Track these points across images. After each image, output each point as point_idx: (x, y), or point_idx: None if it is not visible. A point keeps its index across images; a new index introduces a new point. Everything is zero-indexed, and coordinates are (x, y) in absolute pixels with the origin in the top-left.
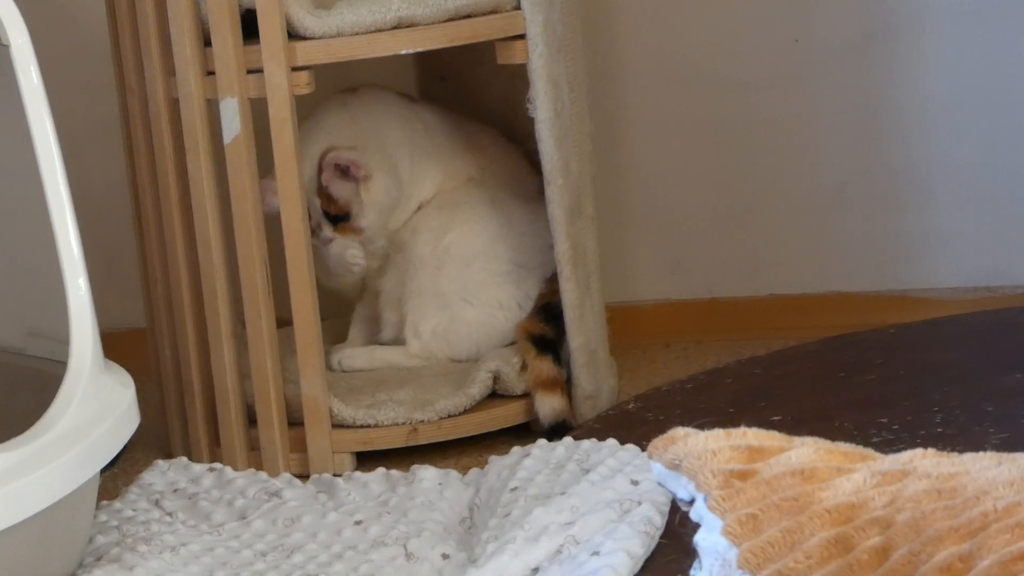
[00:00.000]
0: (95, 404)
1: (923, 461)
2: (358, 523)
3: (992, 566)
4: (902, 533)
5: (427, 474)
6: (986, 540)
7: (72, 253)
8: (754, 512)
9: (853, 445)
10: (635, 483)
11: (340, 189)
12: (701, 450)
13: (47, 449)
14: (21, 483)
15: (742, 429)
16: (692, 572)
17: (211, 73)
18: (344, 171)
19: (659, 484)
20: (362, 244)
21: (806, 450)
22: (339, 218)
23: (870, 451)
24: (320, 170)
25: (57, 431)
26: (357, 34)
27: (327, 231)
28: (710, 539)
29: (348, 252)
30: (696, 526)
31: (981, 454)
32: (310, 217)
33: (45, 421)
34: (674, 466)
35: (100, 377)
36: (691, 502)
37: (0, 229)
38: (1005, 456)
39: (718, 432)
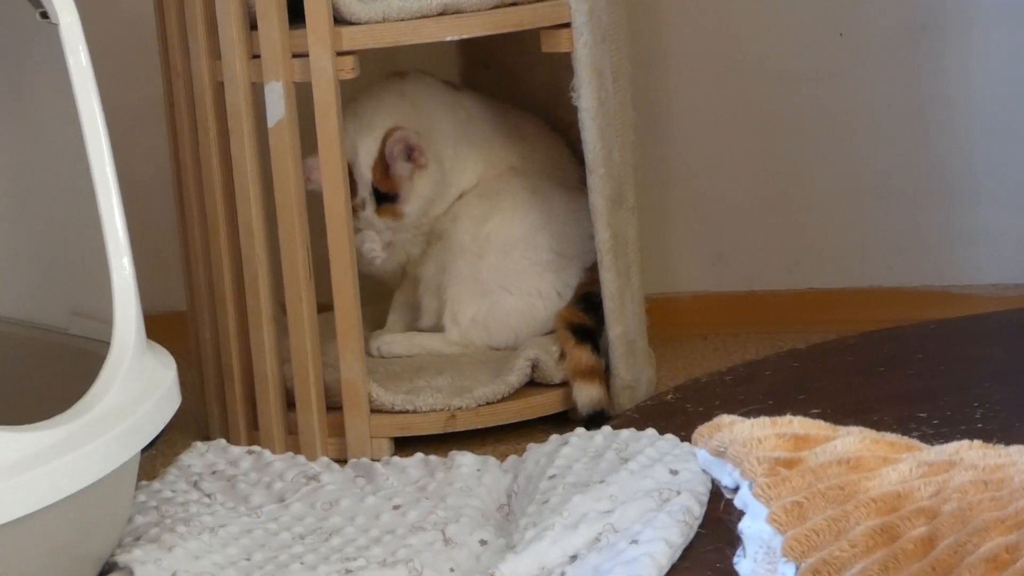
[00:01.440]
0: (137, 384)
1: (969, 452)
2: (396, 507)
3: None
4: (948, 523)
5: (465, 460)
6: None
7: (117, 233)
8: (799, 500)
9: (899, 436)
10: (674, 473)
11: (400, 169)
12: (747, 437)
13: (89, 428)
14: (63, 462)
15: (787, 417)
16: (736, 559)
17: (256, 57)
18: (408, 154)
19: (704, 471)
20: (392, 231)
21: (852, 439)
22: (386, 197)
23: (916, 442)
24: (384, 145)
25: (99, 410)
26: (403, 20)
27: (370, 209)
28: (754, 526)
29: (365, 245)
30: (740, 513)
31: None
32: (355, 193)
33: (87, 400)
34: (719, 453)
35: (142, 357)
36: (736, 489)
37: (45, 209)
38: None
39: (764, 420)
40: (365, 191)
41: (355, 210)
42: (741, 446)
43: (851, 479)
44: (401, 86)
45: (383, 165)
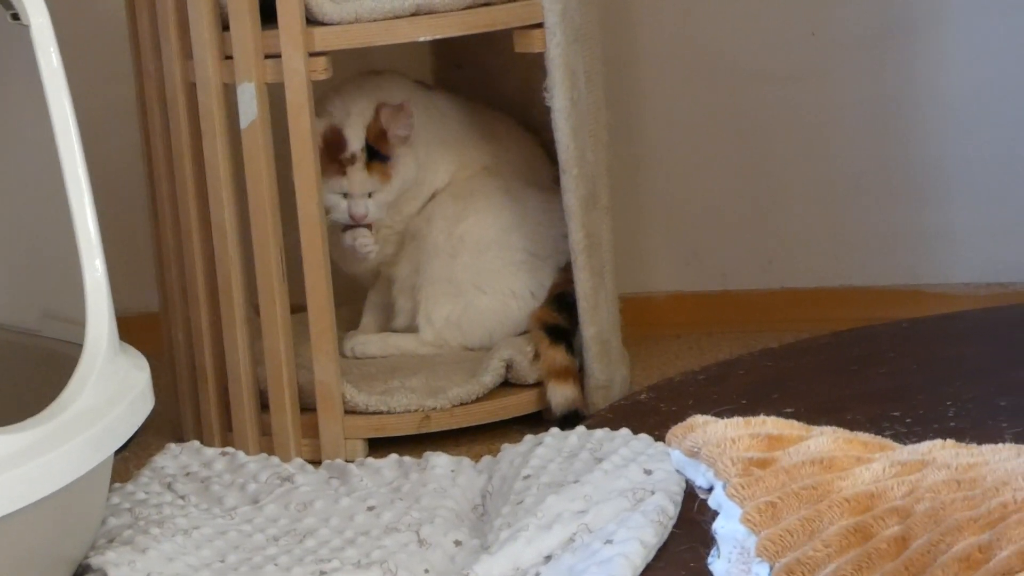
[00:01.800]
0: (110, 385)
1: (942, 452)
2: (370, 509)
3: (1011, 556)
4: (921, 523)
5: (440, 461)
6: (1005, 531)
7: (89, 234)
8: (773, 500)
9: (872, 435)
10: (648, 472)
11: (397, 130)
12: (720, 438)
13: (62, 430)
14: (36, 464)
15: (761, 418)
16: (710, 559)
17: (228, 58)
18: (405, 122)
19: (677, 471)
20: (376, 204)
21: (825, 439)
22: (377, 155)
23: (889, 441)
24: (379, 111)
25: (72, 412)
26: (375, 20)
27: (359, 163)
28: (728, 527)
29: (359, 241)
30: (714, 514)
31: (1000, 445)
32: (343, 149)
33: (60, 402)
34: (693, 453)
35: (116, 359)
36: (710, 489)
37: (17, 210)
38: None
39: (737, 420)
40: (357, 146)
41: (341, 166)
42: (715, 446)
43: (824, 479)
44: (378, 81)
45: (379, 126)
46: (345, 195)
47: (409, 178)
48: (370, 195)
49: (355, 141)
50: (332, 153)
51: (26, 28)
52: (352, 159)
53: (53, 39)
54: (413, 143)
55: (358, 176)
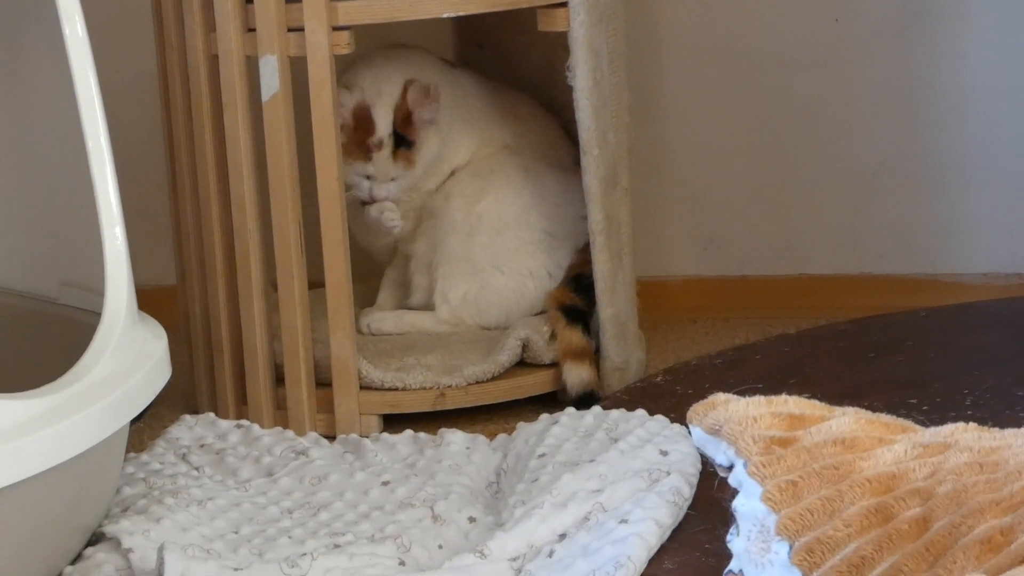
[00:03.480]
0: (128, 354)
1: (964, 435)
2: (385, 484)
3: None
4: (943, 505)
5: (455, 438)
6: None
7: (110, 203)
8: (794, 479)
9: (894, 417)
10: (664, 453)
11: (423, 115)
12: (742, 416)
13: (80, 398)
14: (52, 430)
15: (783, 397)
16: (729, 537)
17: (251, 30)
18: (427, 101)
19: (698, 449)
20: (398, 185)
21: (847, 419)
22: (405, 142)
23: (911, 423)
24: (406, 91)
25: (90, 380)
26: None
27: (387, 150)
28: (748, 505)
29: (385, 215)
30: (734, 492)
31: (1023, 429)
32: (372, 132)
33: (78, 369)
34: (714, 431)
35: (134, 328)
36: (730, 468)
37: (38, 179)
38: None
39: (759, 399)
40: (385, 132)
41: (367, 150)
42: (736, 424)
43: (846, 459)
44: (407, 54)
45: (405, 109)
46: (368, 176)
47: (432, 159)
48: (393, 178)
49: (383, 126)
50: (359, 134)
51: None
52: (379, 145)
53: (79, 8)
54: (437, 123)
55: (384, 163)
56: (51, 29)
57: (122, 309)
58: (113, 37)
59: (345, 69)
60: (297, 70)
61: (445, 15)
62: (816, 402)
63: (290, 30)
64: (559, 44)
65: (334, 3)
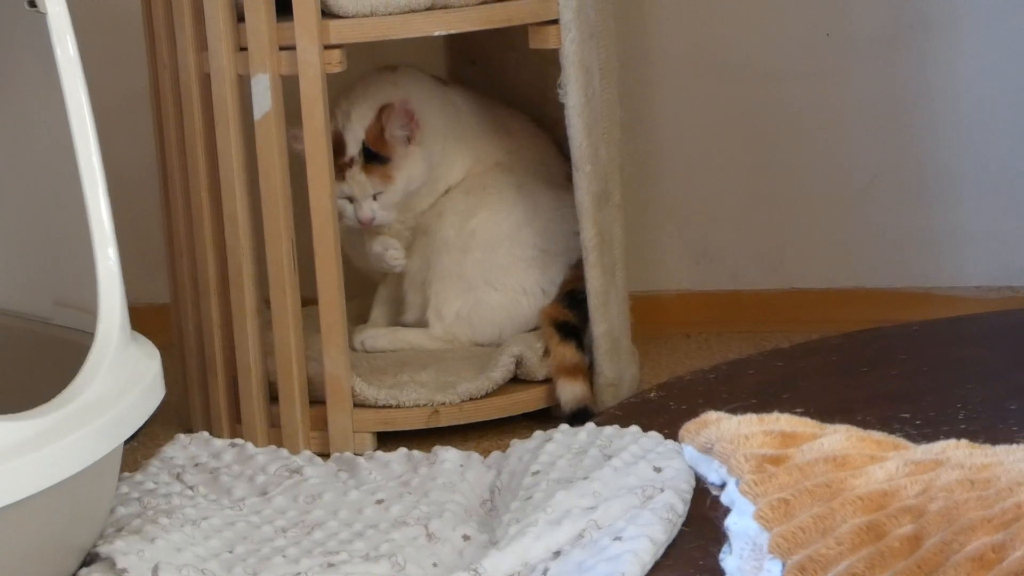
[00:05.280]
0: (121, 374)
1: (956, 451)
2: (379, 502)
3: None
4: (934, 522)
5: (449, 455)
6: (1019, 531)
7: (103, 223)
8: (786, 497)
9: (885, 434)
10: (658, 470)
11: (395, 131)
12: (734, 434)
13: (73, 418)
14: (46, 452)
15: (775, 415)
16: (722, 556)
17: (243, 49)
18: (406, 122)
19: (689, 467)
20: (382, 206)
21: (839, 437)
22: (376, 157)
23: (902, 440)
24: (380, 113)
25: (83, 400)
26: (391, 14)
27: (356, 167)
28: (741, 523)
29: (388, 252)
30: (727, 510)
31: (1014, 446)
32: (343, 153)
33: (72, 390)
34: (706, 449)
35: (127, 348)
36: (722, 486)
37: (31, 198)
38: None
39: (751, 417)
40: (354, 149)
41: (341, 170)
42: (728, 443)
43: (838, 477)
44: (394, 77)
45: (378, 128)
46: (350, 199)
47: (416, 177)
48: (375, 197)
49: (352, 145)
50: (336, 159)
51: (43, 16)
52: (350, 163)
53: (70, 27)
54: (423, 141)
55: (356, 179)
56: (43, 47)
57: (115, 330)
58: (105, 56)
59: (333, 100)
60: (289, 88)
61: (436, 33)
62: (808, 420)
63: (282, 48)
64: (551, 61)
65: (326, 22)
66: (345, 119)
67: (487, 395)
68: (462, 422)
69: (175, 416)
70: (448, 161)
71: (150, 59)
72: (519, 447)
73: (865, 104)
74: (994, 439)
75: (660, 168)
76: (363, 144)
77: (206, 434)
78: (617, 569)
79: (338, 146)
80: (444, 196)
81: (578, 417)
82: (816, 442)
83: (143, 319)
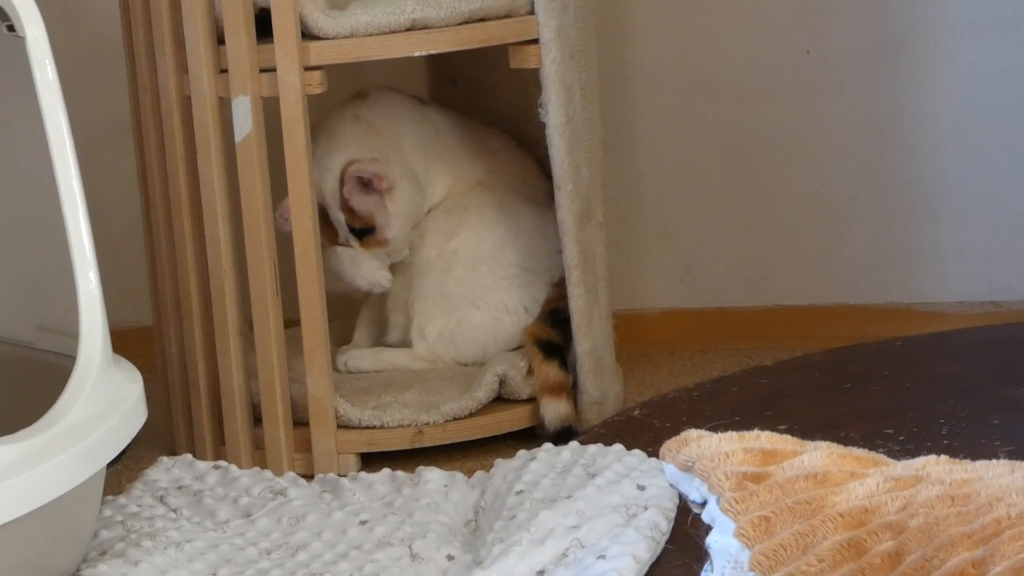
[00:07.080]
0: (103, 398)
1: (936, 467)
2: (363, 523)
3: (1005, 572)
4: (915, 538)
5: (432, 476)
6: (999, 546)
7: (84, 247)
8: (767, 515)
9: (866, 451)
10: (641, 488)
11: (363, 203)
12: (714, 452)
13: (55, 442)
14: (29, 475)
15: (755, 432)
16: (703, 574)
17: (224, 71)
18: (367, 184)
19: (671, 485)
20: (388, 255)
21: (819, 454)
22: (364, 232)
23: (883, 457)
24: (342, 184)
25: (65, 424)
26: (371, 35)
27: (355, 244)
28: (722, 541)
29: (377, 273)
30: (708, 528)
31: (994, 461)
32: (338, 233)
33: (54, 414)
34: (687, 467)
35: (109, 371)
36: (703, 504)
37: (11, 223)
38: (1018, 464)
39: (731, 435)
40: (343, 232)
41: (346, 242)
42: (709, 460)
43: (818, 494)
44: (357, 110)
45: (349, 205)
46: None
47: (409, 215)
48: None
49: (340, 228)
50: (329, 231)
51: (21, 40)
52: (347, 243)
53: (49, 52)
54: (396, 184)
55: (361, 253)
56: (23, 72)
57: (97, 353)
58: (86, 80)
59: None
60: (270, 110)
61: (416, 54)
62: (788, 437)
63: (262, 70)
64: (531, 80)
65: (306, 43)
66: (320, 196)
67: (471, 415)
68: (446, 442)
69: (159, 438)
70: (432, 181)
71: (131, 82)
72: (503, 466)
73: (846, 122)
74: (977, 454)
75: (643, 186)
76: (347, 226)
77: (190, 456)
78: None
79: (327, 221)
80: (426, 216)
81: (562, 436)
82: (797, 459)
83: (126, 342)
